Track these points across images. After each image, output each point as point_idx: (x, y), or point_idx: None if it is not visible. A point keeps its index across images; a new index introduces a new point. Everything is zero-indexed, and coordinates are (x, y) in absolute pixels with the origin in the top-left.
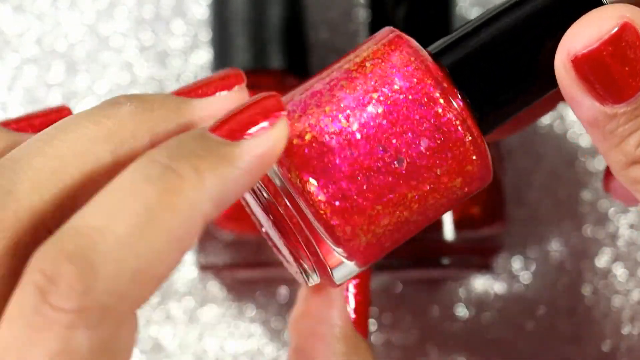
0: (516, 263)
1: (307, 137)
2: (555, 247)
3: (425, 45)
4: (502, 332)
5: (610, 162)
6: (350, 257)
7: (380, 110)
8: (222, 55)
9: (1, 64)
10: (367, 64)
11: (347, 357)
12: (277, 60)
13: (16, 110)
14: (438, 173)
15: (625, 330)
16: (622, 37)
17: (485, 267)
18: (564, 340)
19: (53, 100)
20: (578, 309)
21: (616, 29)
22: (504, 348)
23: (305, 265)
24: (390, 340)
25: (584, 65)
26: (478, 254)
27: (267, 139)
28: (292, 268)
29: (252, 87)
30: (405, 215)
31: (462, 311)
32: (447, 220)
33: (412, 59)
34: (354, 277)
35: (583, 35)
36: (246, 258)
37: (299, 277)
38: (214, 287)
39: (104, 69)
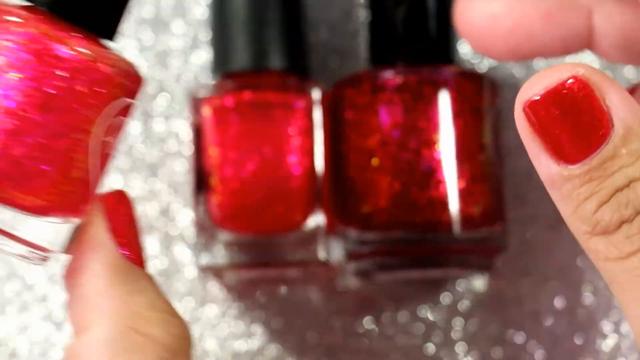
0: (516, 263)
1: None
2: (555, 247)
3: None
4: (502, 332)
5: (571, 227)
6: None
7: None
8: (222, 55)
9: None
10: None
11: (124, 287)
12: (277, 60)
13: None
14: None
15: (625, 329)
16: (573, 91)
17: (485, 267)
18: (565, 339)
19: None
20: (578, 309)
21: (571, 81)
22: (504, 347)
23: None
24: (390, 341)
25: (535, 114)
26: (478, 254)
27: None
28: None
29: (254, 88)
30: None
31: (462, 311)
32: (448, 220)
33: None
34: (115, 215)
35: (536, 84)
36: (246, 258)
37: (35, 261)
38: (214, 287)
39: None
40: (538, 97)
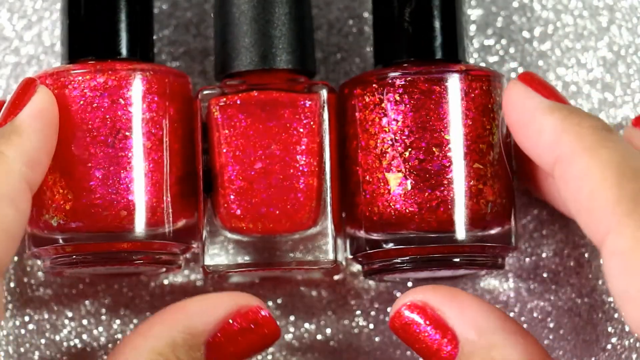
0: (526, 262)
1: None
2: (561, 246)
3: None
4: None
5: None
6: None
7: None
8: (230, 54)
9: (0, 63)
10: None
11: None
12: (285, 59)
13: None
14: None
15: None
16: (412, 319)
17: (495, 266)
18: (568, 338)
19: None
20: (582, 307)
21: (408, 311)
22: None
23: None
24: (397, 339)
25: (396, 333)
26: (488, 254)
27: (34, 100)
28: None
29: (261, 88)
30: None
31: None
32: (459, 219)
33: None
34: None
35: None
36: (253, 259)
37: None
38: (214, 287)
39: None
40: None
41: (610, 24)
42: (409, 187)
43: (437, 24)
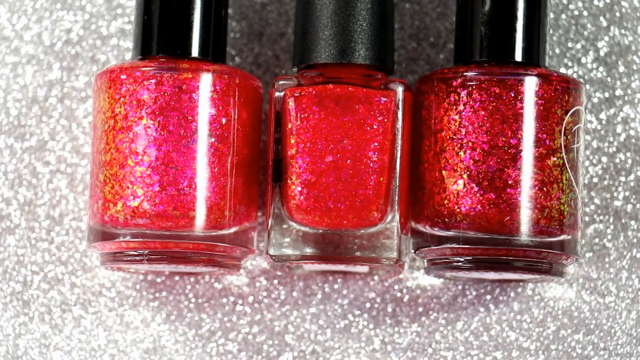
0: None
1: None
2: None
3: None
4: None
5: None
6: None
7: None
8: (308, 46)
9: (0, 63)
10: None
11: None
12: (363, 55)
13: (16, 109)
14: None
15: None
16: None
17: (556, 273)
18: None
19: (52, 100)
20: None
21: None
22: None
23: None
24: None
25: None
26: (549, 260)
27: None
28: None
29: (337, 81)
30: None
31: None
32: (513, 224)
33: None
34: None
35: None
36: (317, 251)
37: None
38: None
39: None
40: None
41: (610, 24)
42: (461, 187)
43: (514, 25)
